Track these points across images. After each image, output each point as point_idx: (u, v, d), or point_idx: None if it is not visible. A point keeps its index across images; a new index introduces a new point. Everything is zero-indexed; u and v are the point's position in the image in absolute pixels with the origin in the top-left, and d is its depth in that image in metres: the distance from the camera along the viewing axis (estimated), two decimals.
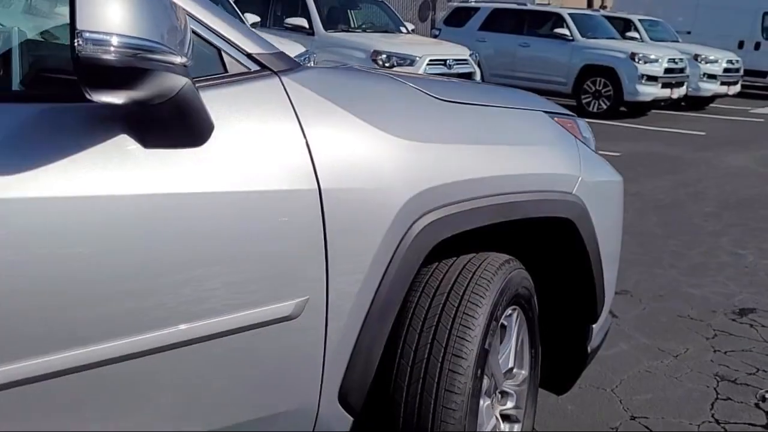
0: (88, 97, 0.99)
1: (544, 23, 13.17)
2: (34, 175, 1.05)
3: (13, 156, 1.05)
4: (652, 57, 12.04)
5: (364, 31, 9.97)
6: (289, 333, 1.36)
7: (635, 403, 2.71)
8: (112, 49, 0.95)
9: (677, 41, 15.05)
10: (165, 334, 1.18)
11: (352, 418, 1.53)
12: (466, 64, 9.46)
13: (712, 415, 2.65)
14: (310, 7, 9.33)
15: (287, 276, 1.34)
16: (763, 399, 2.78)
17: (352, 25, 10.21)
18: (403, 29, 10.38)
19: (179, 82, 1.09)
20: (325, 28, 9.30)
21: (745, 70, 15.20)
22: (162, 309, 1.18)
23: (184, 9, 1.15)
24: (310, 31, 9.14)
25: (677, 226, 5.38)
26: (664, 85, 12.06)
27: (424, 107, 1.67)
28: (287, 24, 9.06)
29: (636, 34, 14.34)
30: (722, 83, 14.06)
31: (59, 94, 1.19)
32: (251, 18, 8.03)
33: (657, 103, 12.36)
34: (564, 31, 12.55)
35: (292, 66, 1.45)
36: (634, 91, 11.75)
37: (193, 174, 1.21)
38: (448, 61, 9.14)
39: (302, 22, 9.13)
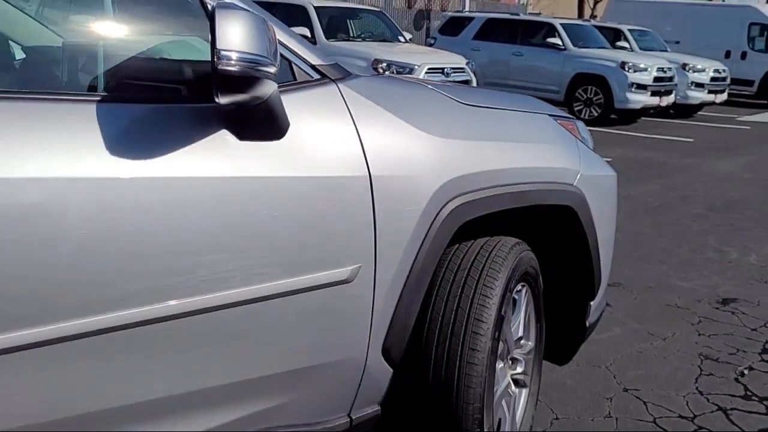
0: (216, 99, 1.29)
1: (536, 33, 13.53)
2: (159, 159, 1.34)
3: (138, 144, 1.34)
4: (642, 66, 12.42)
5: (364, 40, 10.29)
6: (345, 294, 1.66)
7: (627, 378, 3.01)
8: (233, 62, 1.25)
9: (666, 51, 15.45)
10: (256, 288, 1.47)
11: (392, 370, 1.83)
12: (463, 72, 9.78)
13: (696, 388, 2.96)
14: (311, 17, 9.65)
15: (345, 246, 1.64)
16: (742, 374, 3.09)
17: (352, 35, 10.52)
18: (401, 38, 10.70)
19: (272, 87, 1.39)
20: (327, 38, 9.61)
21: (732, 79, 15.61)
22: (256, 267, 1.47)
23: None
24: (312, 41, 9.44)
25: (666, 226, 5.70)
26: (653, 93, 12.43)
27: (451, 110, 1.97)
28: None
29: (626, 44, 14.72)
30: (709, 92, 14.45)
31: (157, 97, 1.48)
32: None
33: (646, 111, 12.73)
34: (556, 40, 12.91)
35: (345, 75, 1.75)
36: (625, 99, 12.11)
37: (274, 161, 1.51)
38: (445, 70, 9.46)
39: (304, 31, 9.43)
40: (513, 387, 2.28)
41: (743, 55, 18.03)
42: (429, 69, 9.22)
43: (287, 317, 1.58)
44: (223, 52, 1.24)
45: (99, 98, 1.33)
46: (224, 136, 1.44)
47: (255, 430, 1.59)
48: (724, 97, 15.11)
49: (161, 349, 1.39)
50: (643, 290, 4.12)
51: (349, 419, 1.80)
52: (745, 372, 3.12)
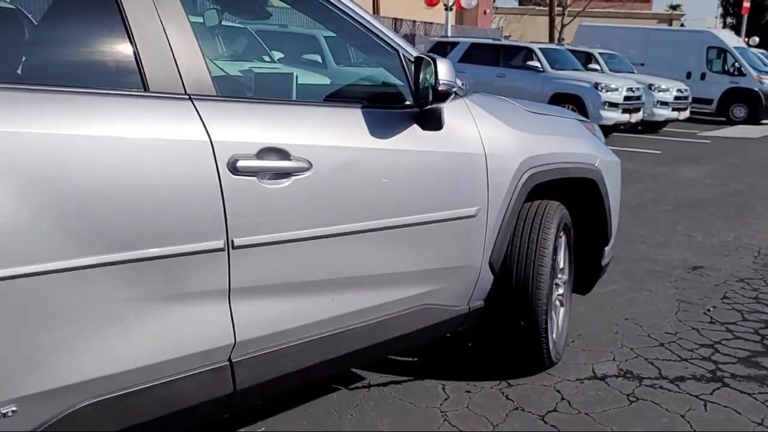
0: (427, 107, 2.39)
1: (517, 56, 14.84)
2: (388, 137, 2.42)
3: (381, 129, 2.41)
4: (613, 86, 13.75)
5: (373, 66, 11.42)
6: (471, 224, 2.75)
7: (626, 313, 4.13)
8: (442, 88, 2.35)
9: (633, 72, 16.86)
10: (429, 215, 2.56)
11: (493, 277, 2.92)
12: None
13: (676, 317, 4.09)
14: (322, 45, 10.78)
15: (473, 194, 2.73)
16: (709, 310, 4.23)
17: (353, 61, 11.66)
18: None
19: (448, 99, 2.49)
20: (336, 63, 10.74)
21: (693, 98, 17.09)
22: (431, 201, 2.56)
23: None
24: (323, 65, 10.56)
25: (644, 219, 6.87)
26: (624, 111, 13.76)
27: (524, 115, 3.10)
28: (304, 59, 10.48)
29: (597, 66, 16.10)
30: (673, 109, 15.89)
31: (384, 104, 2.57)
32: (276, 54, 9.45)
33: (617, 127, 14.03)
34: (535, 63, 14.22)
35: (466, 92, 2.85)
36: (598, 116, 13.39)
37: (438, 142, 2.59)
38: None
39: (317, 57, 10.56)
40: (556, 303, 3.37)
41: (702, 76, 19.54)
42: None
43: (442, 233, 2.66)
44: (442, 80, 2.34)
45: (361, 105, 2.42)
46: (415, 128, 2.53)
47: (423, 303, 2.66)
48: (686, 114, 16.57)
49: (388, 246, 2.47)
50: (631, 261, 5.26)
51: (468, 307, 2.89)
52: (711, 309, 4.27)
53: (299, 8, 2.76)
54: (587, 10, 30.78)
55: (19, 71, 1.87)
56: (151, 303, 1.86)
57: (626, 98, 13.82)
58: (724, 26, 43.58)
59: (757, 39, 32.14)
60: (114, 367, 1.81)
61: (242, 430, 2.68)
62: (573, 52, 16.06)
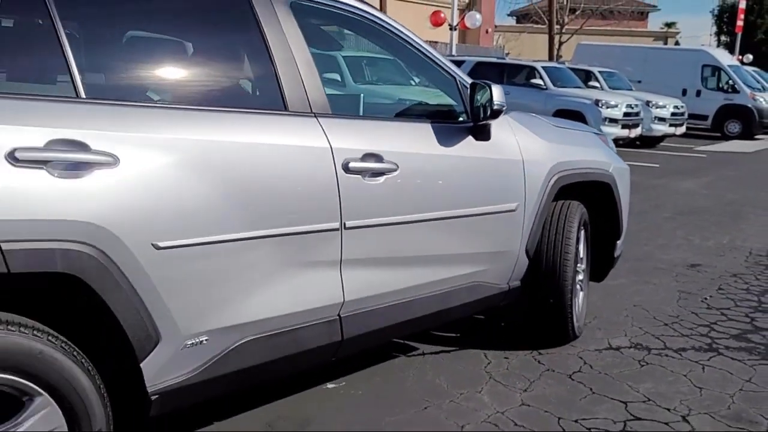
0: (483, 122, 3.04)
1: (520, 74, 15.56)
2: (449, 146, 3.06)
3: (444, 139, 3.05)
4: (613, 103, 14.46)
5: (384, 83, 12.11)
6: (513, 216, 3.39)
7: (634, 301, 4.76)
8: (497, 107, 3.01)
9: (631, 89, 17.59)
10: (481, 208, 3.20)
11: (527, 261, 3.56)
12: None
13: (677, 304, 4.72)
14: (341, 64, 11.46)
15: (514, 192, 3.37)
16: (706, 299, 4.87)
17: (369, 79, 12.35)
18: (412, 81, 12.55)
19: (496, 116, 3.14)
20: (354, 81, 11.42)
21: (689, 114, 17.81)
22: (483, 197, 3.20)
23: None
24: (342, 84, 11.23)
25: (646, 224, 7.51)
26: (623, 126, 14.46)
27: (552, 129, 3.76)
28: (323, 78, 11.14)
29: (597, 84, 16.83)
30: (670, 125, 16.60)
31: (435, 120, 3.21)
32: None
33: (617, 142, 14.70)
34: (538, 81, 14.93)
35: (507, 110, 3.49)
36: (599, 131, 14.01)
37: (487, 150, 3.24)
38: None
39: (336, 76, 11.23)
40: (578, 287, 4.01)
41: (698, 93, 20.30)
42: None
43: (490, 223, 3.30)
44: (496, 101, 2.99)
45: (430, 121, 3.06)
46: (470, 138, 3.17)
47: (474, 281, 3.29)
48: (683, 129, 17.29)
49: (450, 232, 3.10)
50: (636, 260, 5.89)
51: (507, 286, 3.52)
52: (707, 298, 4.90)
53: (380, 44, 3.41)
54: (584, 27, 31.63)
55: (210, 97, 2.52)
56: (289, 267, 2.49)
57: (625, 114, 14.53)
58: (719, 44, 44.51)
59: (750, 56, 33.12)
60: (266, 314, 2.44)
61: (331, 384, 3.30)
62: (573, 70, 16.80)
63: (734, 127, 19.94)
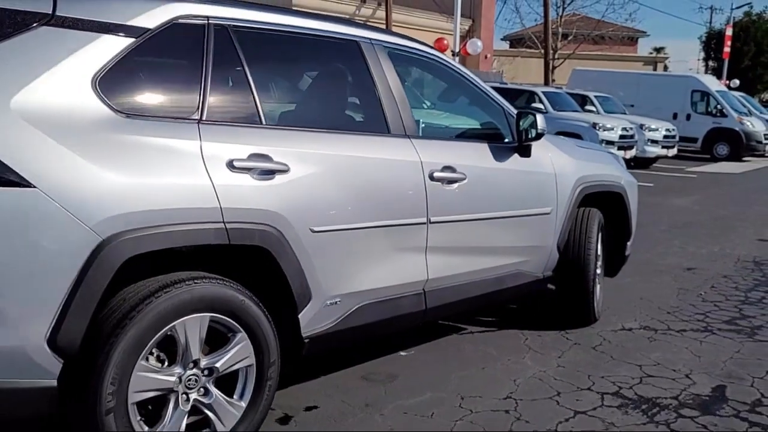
0: (527, 143, 3.89)
1: (521, 98, 16.49)
2: (500, 162, 3.90)
3: (494, 157, 3.89)
4: (609, 126, 15.41)
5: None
6: (548, 218, 4.23)
7: (640, 295, 5.60)
8: (540, 131, 3.86)
9: (625, 113, 18.58)
10: (524, 211, 4.04)
11: (558, 255, 4.39)
12: None
13: (677, 298, 5.56)
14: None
15: (548, 198, 4.22)
16: (701, 294, 5.71)
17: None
18: (424, 105, 13.44)
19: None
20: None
21: (680, 137, 18.81)
22: (524, 203, 4.04)
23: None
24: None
25: (645, 236, 8.33)
26: (619, 148, 15.37)
27: (576, 148, 4.63)
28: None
29: (593, 108, 17.81)
30: (663, 147, 17.59)
31: (489, 141, 4.05)
32: None
33: None
34: (538, 105, 15.86)
35: (545, 133, 4.32)
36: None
37: (529, 164, 4.08)
38: None
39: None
40: (597, 279, 4.84)
41: (688, 117, 21.35)
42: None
43: (531, 223, 4.14)
44: (539, 127, 3.84)
45: (486, 142, 3.91)
46: (516, 156, 4.01)
47: (518, 270, 4.11)
48: (674, 151, 18.28)
49: (503, 228, 3.94)
50: (639, 264, 6.72)
51: (542, 275, 4.35)
52: (702, 293, 5.75)
53: (446, 81, 4.26)
54: (576, 52, 32.76)
55: (339, 123, 3.38)
56: (392, 250, 3.31)
57: (621, 137, 15.48)
58: (706, 69, 45.88)
59: (737, 82, 34.31)
60: (377, 284, 3.26)
61: (403, 352, 4.10)
62: (570, 94, 17.76)
63: (723, 149, 20.97)
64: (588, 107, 17.75)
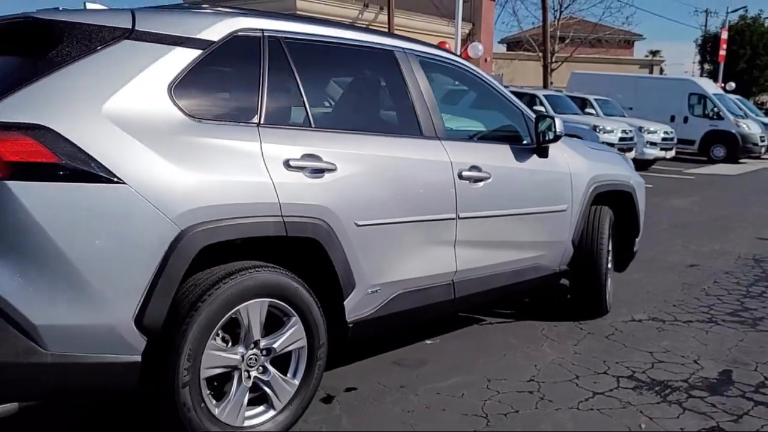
0: (545, 144, 4.18)
1: (522, 101, 16.72)
2: (521, 161, 4.19)
3: (516, 156, 4.18)
4: (609, 128, 15.70)
5: None
6: (564, 215, 4.51)
7: (647, 289, 5.88)
8: (558, 134, 4.15)
9: (624, 116, 18.88)
10: (540, 207, 4.33)
11: (573, 250, 4.67)
12: None
13: (682, 292, 5.85)
14: None
15: (564, 196, 4.50)
16: (704, 289, 5.99)
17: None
18: None
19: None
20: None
21: (677, 139, 19.12)
22: (542, 201, 4.33)
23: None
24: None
25: (647, 235, 8.52)
26: (619, 150, 15.64)
27: (589, 150, 4.92)
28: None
29: (592, 110, 18.11)
30: (661, 149, 17.90)
31: (510, 143, 4.33)
32: None
33: None
34: (540, 108, 16.15)
35: (563, 135, 4.60)
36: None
37: (546, 165, 4.36)
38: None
39: None
40: (608, 273, 5.12)
41: (685, 120, 21.67)
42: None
43: (548, 219, 4.42)
44: (558, 130, 4.12)
45: (508, 144, 4.19)
46: (534, 156, 4.29)
47: (536, 263, 4.39)
48: (672, 153, 18.59)
49: (523, 224, 4.22)
50: (644, 262, 7.00)
51: (558, 269, 4.63)
52: (706, 288, 6.03)
53: (471, 87, 4.55)
54: (574, 55, 33.08)
55: (378, 126, 3.69)
56: (425, 244, 3.59)
57: (621, 139, 15.78)
58: (702, 72, 46.26)
59: (733, 84, 34.69)
60: (412, 275, 3.53)
61: (429, 341, 4.38)
62: (570, 97, 18.07)
63: (719, 151, 21.30)
64: (588, 110, 18.05)
